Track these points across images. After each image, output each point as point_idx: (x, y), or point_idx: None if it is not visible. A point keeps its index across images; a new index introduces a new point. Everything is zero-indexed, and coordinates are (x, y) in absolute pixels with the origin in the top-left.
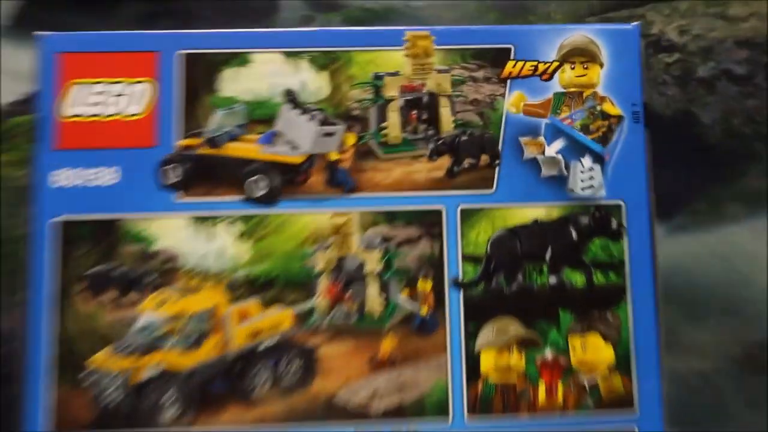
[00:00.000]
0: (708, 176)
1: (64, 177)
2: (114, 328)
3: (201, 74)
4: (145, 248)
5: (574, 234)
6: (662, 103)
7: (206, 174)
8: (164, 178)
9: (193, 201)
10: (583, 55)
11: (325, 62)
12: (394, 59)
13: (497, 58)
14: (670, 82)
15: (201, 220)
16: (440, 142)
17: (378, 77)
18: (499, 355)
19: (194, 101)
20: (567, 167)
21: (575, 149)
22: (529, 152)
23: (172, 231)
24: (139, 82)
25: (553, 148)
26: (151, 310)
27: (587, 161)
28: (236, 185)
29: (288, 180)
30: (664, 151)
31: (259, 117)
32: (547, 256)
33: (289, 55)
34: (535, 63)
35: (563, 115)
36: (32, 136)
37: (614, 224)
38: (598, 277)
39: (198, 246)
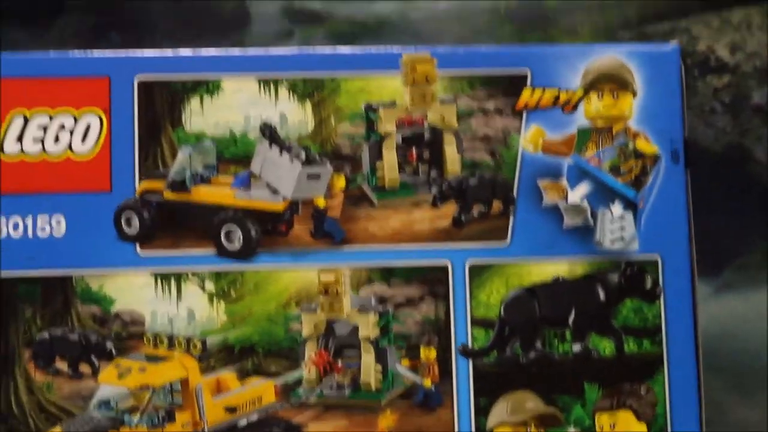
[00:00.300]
0: (761, 224)
1: (5, 227)
2: (69, 404)
3: (162, 104)
4: (103, 310)
5: (602, 294)
6: (709, 136)
7: (171, 223)
8: (122, 227)
9: (156, 254)
10: (612, 81)
11: (307, 90)
12: (390, 87)
13: (511, 86)
14: (719, 110)
15: (167, 276)
16: (445, 185)
17: (371, 109)
18: None
19: (155, 137)
20: (594, 216)
21: (603, 194)
22: (550, 198)
23: (133, 290)
24: (88, 113)
25: (578, 194)
26: (111, 383)
27: (617, 209)
28: (207, 236)
29: (267, 230)
30: (709, 194)
31: (232, 156)
32: (571, 320)
33: (265, 82)
34: (556, 91)
35: (589, 154)
36: None
37: (649, 283)
38: (630, 345)
39: (164, 307)
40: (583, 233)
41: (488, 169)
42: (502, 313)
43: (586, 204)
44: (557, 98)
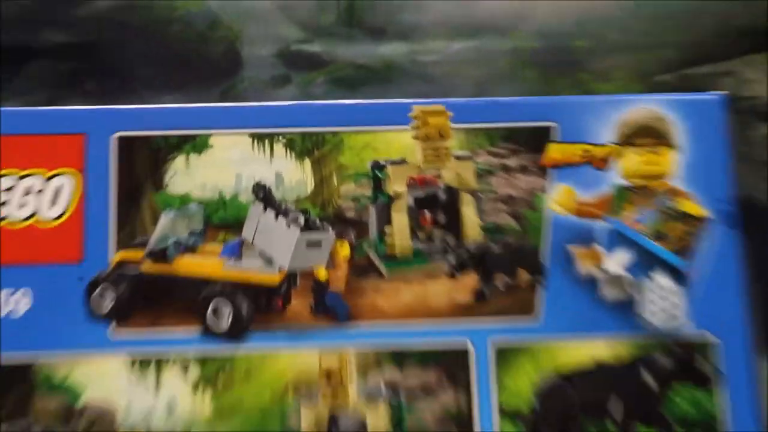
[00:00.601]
0: None
1: None
2: None
3: (143, 163)
4: (69, 401)
5: (649, 380)
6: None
7: (151, 299)
8: (95, 304)
9: (133, 335)
10: (651, 135)
11: (306, 147)
12: (399, 142)
13: (536, 140)
14: None
15: (144, 362)
16: (464, 253)
17: (378, 167)
18: None
19: (134, 200)
20: (635, 288)
21: (646, 263)
22: (584, 267)
23: (105, 377)
24: (60, 174)
25: (617, 262)
26: None
27: (664, 279)
28: (192, 314)
29: (261, 306)
30: None
31: (222, 221)
32: (614, 410)
33: (259, 137)
34: (588, 146)
35: (628, 217)
36: None
37: (703, 366)
38: None
39: (140, 398)
40: (625, 308)
41: (512, 234)
42: (534, 403)
43: (626, 274)
44: (588, 154)
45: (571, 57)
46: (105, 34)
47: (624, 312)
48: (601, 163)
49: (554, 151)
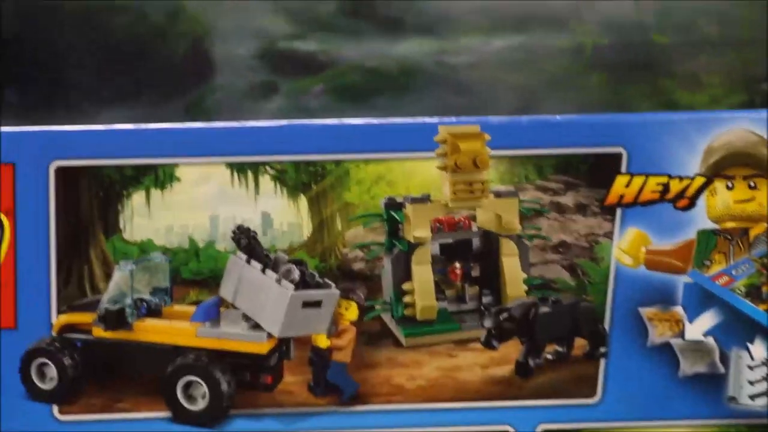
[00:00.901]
0: None
1: None
2: None
3: (90, 202)
4: None
5: None
6: None
7: (104, 374)
8: (33, 380)
9: (82, 420)
10: (747, 164)
11: (301, 180)
12: (421, 174)
13: (598, 171)
14: None
15: None
16: (504, 316)
17: (394, 206)
18: None
19: (79, 249)
20: (725, 360)
21: (738, 328)
22: (658, 334)
23: None
24: None
25: (700, 327)
26: None
27: (760, 350)
28: (157, 393)
29: (245, 383)
30: None
31: (193, 275)
32: None
33: (240, 168)
34: (665, 179)
35: (716, 270)
36: None
37: None
38: None
39: None
40: (709, 385)
41: (567, 291)
42: None
43: (712, 342)
44: (666, 189)
45: (650, 57)
46: (29, 27)
47: (709, 392)
48: (682, 202)
49: (622, 186)
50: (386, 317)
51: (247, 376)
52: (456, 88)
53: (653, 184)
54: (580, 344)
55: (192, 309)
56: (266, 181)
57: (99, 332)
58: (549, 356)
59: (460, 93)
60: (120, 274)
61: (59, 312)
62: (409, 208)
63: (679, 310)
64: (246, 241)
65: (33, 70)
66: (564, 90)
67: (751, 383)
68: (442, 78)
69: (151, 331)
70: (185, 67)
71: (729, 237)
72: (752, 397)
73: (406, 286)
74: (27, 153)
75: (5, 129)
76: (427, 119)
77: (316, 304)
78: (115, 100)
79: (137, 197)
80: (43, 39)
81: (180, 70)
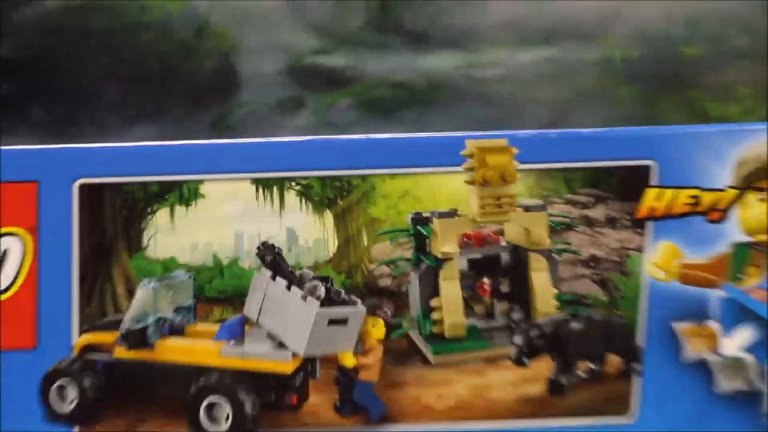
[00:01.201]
0: None
1: None
2: None
3: (114, 220)
4: None
5: None
6: None
7: (126, 395)
8: (53, 403)
9: None
10: None
11: (327, 196)
12: (449, 189)
13: (628, 184)
14: None
15: None
16: (535, 333)
17: (421, 221)
18: None
19: (102, 267)
20: (762, 377)
21: None
22: (694, 349)
23: None
24: (5, 234)
25: (737, 343)
26: None
27: None
28: (180, 414)
29: (270, 403)
30: None
31: (217, 294)
32: None
33: (265, 183)
34: (696, 191)
35: (750, 283)
36: None
37: None
38: None
39: None
40: (748, 401)
41: (599, 307)
42: None
43: (750, 358)
44: (697, 201)
45: (680, 69)
46: (56, 44)
47: (746, 409)
48: (715, 214)
49: (653, 198)
50: (414, 335)
51: (272, 396)
52: (484, 101)
53: (684, 196)
54: (614, 361)
55: (216, 328)
56: (291, 197)
57: (121, 352)
58: (582, 374)
59: (488, 107)
60: (143, 293)
61: (81, 332)
62: (436, 223)
63: (713, 324)
64: (271, 257)
65: (58, 87)
66: (594, 103)
67: None
68: (470, 92)
69: (173, 350)
70: (211, 83)
71: (763, 250)
72: None
73: (433, 303)
74: (51, 170)
75: (29, 147)
76: (454, 133)
77: (343, 321)
78: (142, 118)
79: (161, 214)
80: (68, 56)
81: (206, 87)
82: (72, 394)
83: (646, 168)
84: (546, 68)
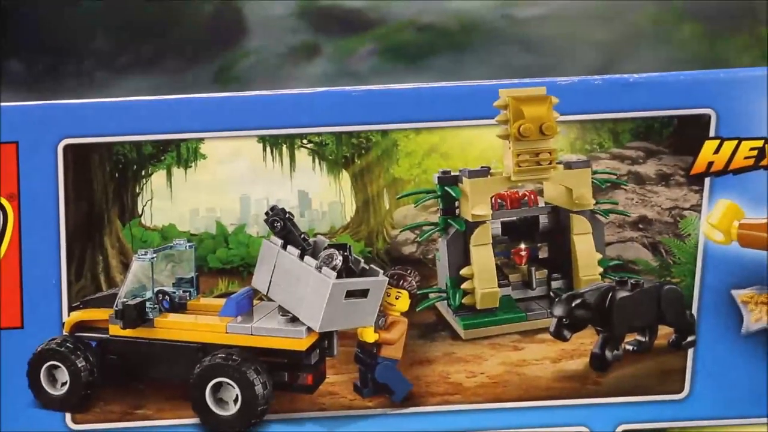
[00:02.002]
0: None
1: None
2: None
3: (104, 184)
4: None
5: None
6: None
7: (123, 377)
8: (42, 385)
9: (97, 429)
10: None
11: (344, 154)
12: (480, 143)
13: (683, 136)
14: None
15: None
16: (577, 303)
17: (449, 181)
18: None
19: (92, 237)
20: None
21: None
22: (755, 319)
23: None
24: None
25: None
26: None
27: None
28: (182, 397)
29: (282, 383)
30: None
31: (222, 264)
32: None
33: (274, 141)
34: (760, 143)
35: None
36: None
37: None
38: None
39: None
40: None
41: (648, 273)
42: None
43: None
44: (761, 154)
45: (750, 4)
46: None
47: None
48: None
49: (711, 152)
50: (442, 307)
51: (285, 377)
52: (524, 45)
53: (746, 149)
54: (665, 333)
55: (221, 302)
56: (303, 157)
57: (116, 330)
58: (629, 347)
59: (529, 51)
60: (139, 265)
61: (71, 308)
62: (466, 183)
63: None
64: (281, 224)
65: (39, 36)
66: (652, 45)
67: None
68: (509, 34)
69: (174, 327)
70: (213, 29)
71: None
72: None
73: (464, 272)
74: (32, 130)
75: (6, 104)
76: (486, 82)
77: (362, 293)
78: (136, 68)
79: (157, 177)
80: (49, 2)
81: (207, 33)
82: (63, 376)
83: (704, 117)
84: (594, 5)
